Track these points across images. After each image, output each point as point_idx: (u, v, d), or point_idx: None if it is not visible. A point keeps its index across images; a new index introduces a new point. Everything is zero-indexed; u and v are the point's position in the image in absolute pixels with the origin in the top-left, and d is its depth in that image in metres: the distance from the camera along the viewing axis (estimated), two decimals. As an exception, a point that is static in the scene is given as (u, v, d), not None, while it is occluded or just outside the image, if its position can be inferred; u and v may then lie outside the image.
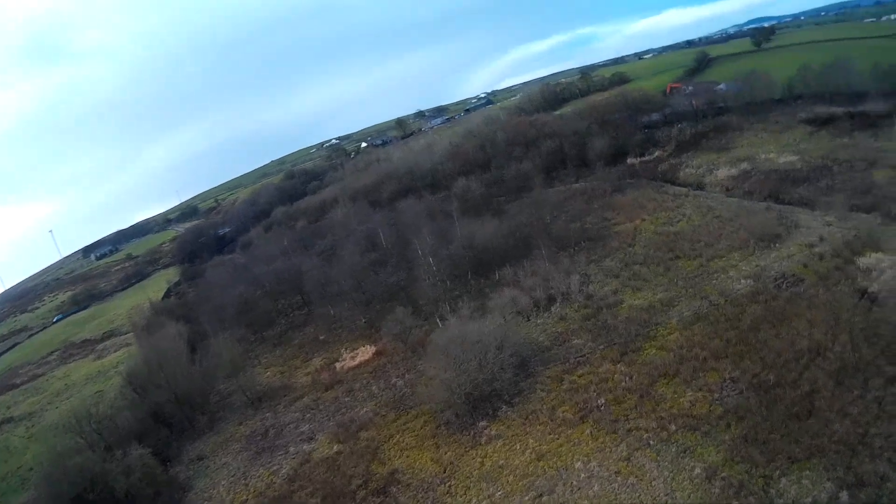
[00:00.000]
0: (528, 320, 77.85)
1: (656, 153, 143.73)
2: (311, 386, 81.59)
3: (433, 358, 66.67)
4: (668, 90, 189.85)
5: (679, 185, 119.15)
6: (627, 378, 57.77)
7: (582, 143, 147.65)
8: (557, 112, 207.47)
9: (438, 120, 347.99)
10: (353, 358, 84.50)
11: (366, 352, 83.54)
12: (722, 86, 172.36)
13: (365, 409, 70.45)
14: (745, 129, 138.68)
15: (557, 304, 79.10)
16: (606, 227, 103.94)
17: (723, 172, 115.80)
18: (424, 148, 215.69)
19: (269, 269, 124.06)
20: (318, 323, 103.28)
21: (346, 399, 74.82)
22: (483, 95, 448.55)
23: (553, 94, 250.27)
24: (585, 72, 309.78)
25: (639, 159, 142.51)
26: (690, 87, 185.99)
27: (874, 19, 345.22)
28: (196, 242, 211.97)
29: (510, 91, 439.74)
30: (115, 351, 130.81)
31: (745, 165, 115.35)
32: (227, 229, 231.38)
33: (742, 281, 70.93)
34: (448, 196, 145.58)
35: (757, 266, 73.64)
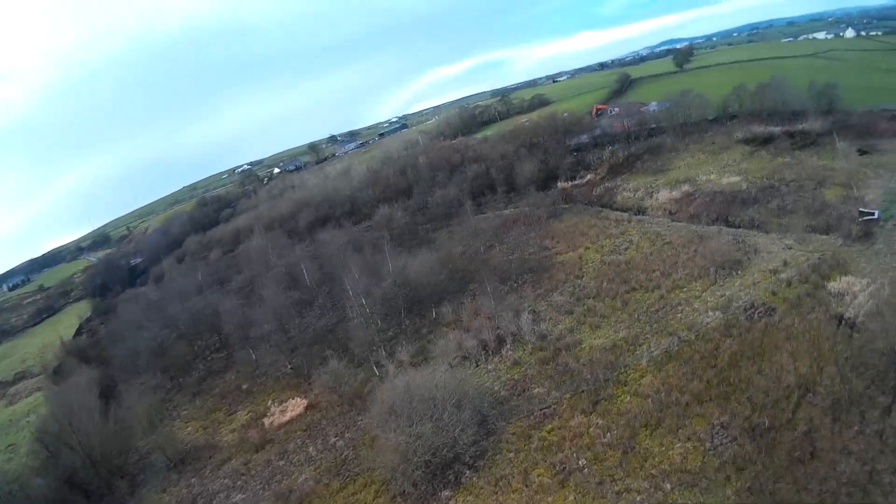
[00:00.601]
0: (478, 366, 75.64)
1: (588, 176, 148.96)
2: (238, 445, 77.11)
3: (378, 416, 62.87)
4: (593, 111, 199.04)
5: (618, 209, 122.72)
6: (605, 432, 55.91)
7: (510, 167, 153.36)
8: (480, 135, 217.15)
9: (352, 144, 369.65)
10: (282, 412, 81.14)
11: (296, 405, 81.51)
12: (653, 106, 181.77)
13: (303, 476, 65.63)
14: (680, 149, 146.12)
15: (508, 346, 77.48)
16: (548, 257, 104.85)
17: (664, 195, 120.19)
18: (341, 174, 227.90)
19: (184, 307, 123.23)
20: (239, 368, 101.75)
21: (281, 463, 70.19)
22: (395, 119, 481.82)
23: (471, 116, 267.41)
24: (499, 94, 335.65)
25: (570, 183, 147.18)
26: (617, 109, 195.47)
27: (792, 39, 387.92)
28: (108, 274, 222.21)
29: (422, 115, 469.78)
30: (28, 396, 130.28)
31: (686, 187, 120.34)
32: (138, 259, 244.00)
33: (710, 313, 71.93)
34: (371, 226, 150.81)
35: (722, 296, 75.18)
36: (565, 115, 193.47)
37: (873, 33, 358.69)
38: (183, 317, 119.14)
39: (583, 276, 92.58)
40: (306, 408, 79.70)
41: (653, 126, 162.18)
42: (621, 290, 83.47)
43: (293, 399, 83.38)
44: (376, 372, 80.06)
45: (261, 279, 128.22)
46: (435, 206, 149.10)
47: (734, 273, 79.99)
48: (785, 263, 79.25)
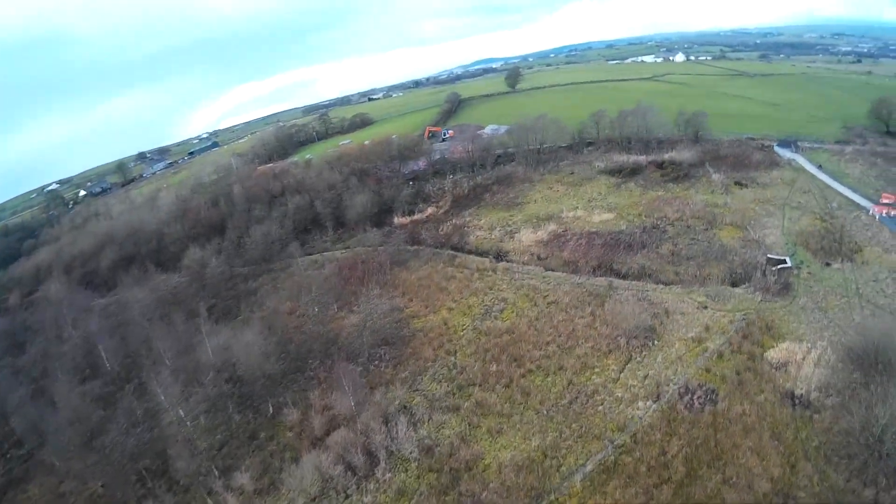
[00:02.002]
0: (348, 497, 61.07)
1: (429, 210, 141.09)
2: None
3: None
4: (426, 134, 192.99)
5: (474, 253, 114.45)
6: None
7: (338, 199, 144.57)
8: (298, 157, 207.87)
9: (161, 164, 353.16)
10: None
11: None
12: (493, 129, 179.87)
13: None
14: (535, 180, 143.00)
15: (383, 465, 63.46)
16: (405, 322, 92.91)
17: (527, 236, 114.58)
18: (148, 202, 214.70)
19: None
20: (43, 481, 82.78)
21: None
22: (206, 136, 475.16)
23: (288, 136, 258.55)
24: (311, 111, 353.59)
25: (409, 218, 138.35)
26: (451, 131, 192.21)
27: (619, 61, 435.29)
28: None
29: (233, 131, 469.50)
30: None
31: (552, 226, 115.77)
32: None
33: (639, 404, 64.35)
34: (181, 277, 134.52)
35: (646, 377, 68.38)
36: (394, 136, 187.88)
37: (702, 58, 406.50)
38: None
39: (456, 352, 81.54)
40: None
41: (499, 152, 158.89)
42: (515, 373, 73.49)
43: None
44: (209, 504, 64.54)
45: (54, 356, 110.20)
46: (253, 246, 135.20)
47: (650, 344, 73.97)
48: (707, 329, 75.04)
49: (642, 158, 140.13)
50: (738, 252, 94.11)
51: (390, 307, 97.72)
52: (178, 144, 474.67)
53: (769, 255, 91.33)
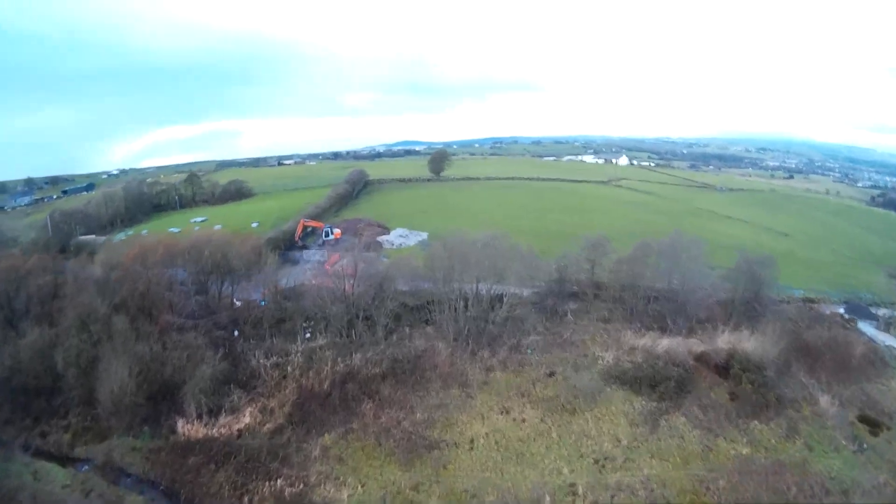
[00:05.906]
0: None
1: (246, 414, 69.03)
2: None
3: None
4: (298, 229, 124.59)
5: None
6: None
7: (93, 353, 72.67)
8: (133, 233, 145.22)
9: (26, 198, 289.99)
10: None
11: None
12: (409, 237, 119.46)
13: None
14: (470, 380, 71.81)
15: None
16: None
17: None
18: None
19: None
20: None
21: None
22: (116, 172, 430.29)
23: (141, 196, 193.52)
24: (226, 166, 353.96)
25: (205, 428, 66.96)
26: (338, 230, 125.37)
27: (555, 158, 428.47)
28: None
29: (143, 173, 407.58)
30: None
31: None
32: None
33: None
34: None
35: None
36: (255, 224, 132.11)
37: (645, 163, 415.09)
38: None
39: None
40: None
41: (405, 289, 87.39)
42: None
43: None
44: None
45: None
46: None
47: None
48: None
49: (679, 344, 74.46)
50: None
51: None
52: (89, 175, 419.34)
53: None
